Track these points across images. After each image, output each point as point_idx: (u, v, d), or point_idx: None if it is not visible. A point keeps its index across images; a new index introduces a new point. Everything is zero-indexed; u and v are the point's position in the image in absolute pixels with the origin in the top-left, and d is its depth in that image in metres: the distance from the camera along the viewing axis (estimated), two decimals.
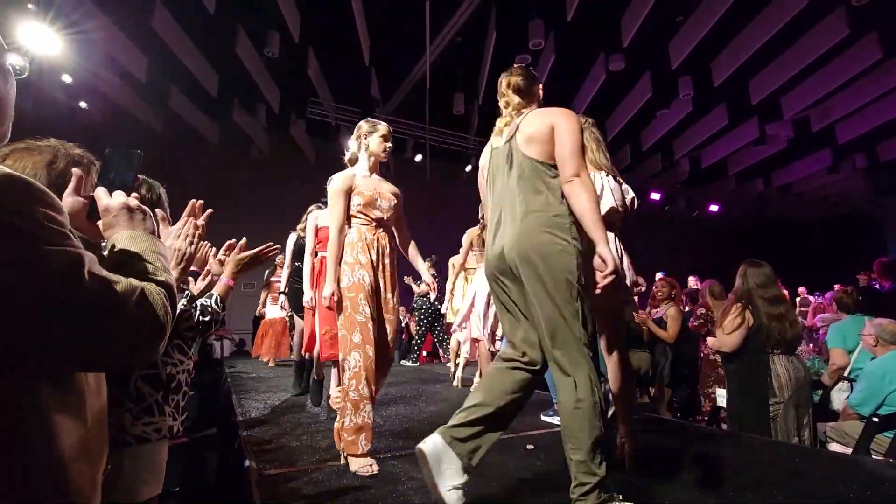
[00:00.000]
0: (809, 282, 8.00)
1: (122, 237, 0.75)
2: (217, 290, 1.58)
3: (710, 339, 3.10)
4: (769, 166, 11.38)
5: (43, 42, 5.71)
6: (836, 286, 4.60)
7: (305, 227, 3.48)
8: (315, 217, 3.35)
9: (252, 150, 9.83)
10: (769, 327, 2.65)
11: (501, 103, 1.73)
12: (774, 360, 2.66)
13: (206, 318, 1.51)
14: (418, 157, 10.21)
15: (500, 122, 1.73)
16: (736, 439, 2.48)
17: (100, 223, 0.80)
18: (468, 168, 10.67)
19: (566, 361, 1.39)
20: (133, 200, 0.80)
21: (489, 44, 7.00)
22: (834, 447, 2.72)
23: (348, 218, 2.19)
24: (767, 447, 2.27)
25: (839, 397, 3.21)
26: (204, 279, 1.75)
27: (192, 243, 1.13)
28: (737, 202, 14.07)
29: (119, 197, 0.79)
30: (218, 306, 1.54)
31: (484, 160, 1.78)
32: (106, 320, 0.57)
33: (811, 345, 4.73)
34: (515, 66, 1.80)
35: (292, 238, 3.96)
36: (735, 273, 2.94)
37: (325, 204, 2.74)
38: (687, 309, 4.95)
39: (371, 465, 1.87)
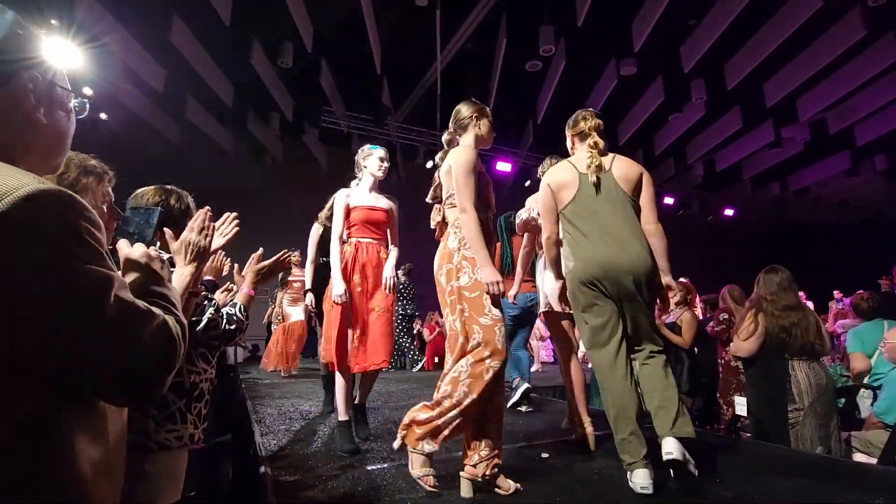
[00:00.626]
0: (830, 287, 7.83)
1: (137, 283, 0.78)
2: (240, 300, 1.60)
3: (731, 345, 3.06)
4: (785, 170, 11.19)
5: (65, 56, 5.89)
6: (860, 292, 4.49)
7: (332, 215, 2.70)
8: (346, 196, 2.66)
9: (266, 158, 9.98)
10: (779, 335, 2.62)
11: (590, 142, 2.06)
12: (794, 365, 2.61)
13: (232, 327, 1.53)
14: (429, 164, 10.26)
15: (587, 157, 2.04)
16: (751, 448, 2.43)
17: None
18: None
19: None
20: (153, 251, 0.83)
21: (499, 50, 7.03)
22: (858, 457, 2.65)
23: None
24: (784, 456, 2.22)
25: (864, 405, 3.14)
26: (223, 292, 1.78)
27: (206, 236, 1.14)
28: (753, 206, 13.85)
29: (139, 248, 0.82)
30: (242, 314, 1.56)
31: (563, 179, 2.06)
32: (124, 341, 0.58)
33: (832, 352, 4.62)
34: (591, 110, 2.17)
35: (317, 229, 3.60)
36: (753, 278, 2.92)
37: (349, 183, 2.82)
38: (704, 315, 4.88)
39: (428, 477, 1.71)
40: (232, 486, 3.15)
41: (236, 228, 1.44)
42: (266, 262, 1.63)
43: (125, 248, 0.82)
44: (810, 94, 7.94)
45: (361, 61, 7.31)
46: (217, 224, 1.44)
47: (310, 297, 3.45)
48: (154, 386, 0.63)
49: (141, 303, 0.62)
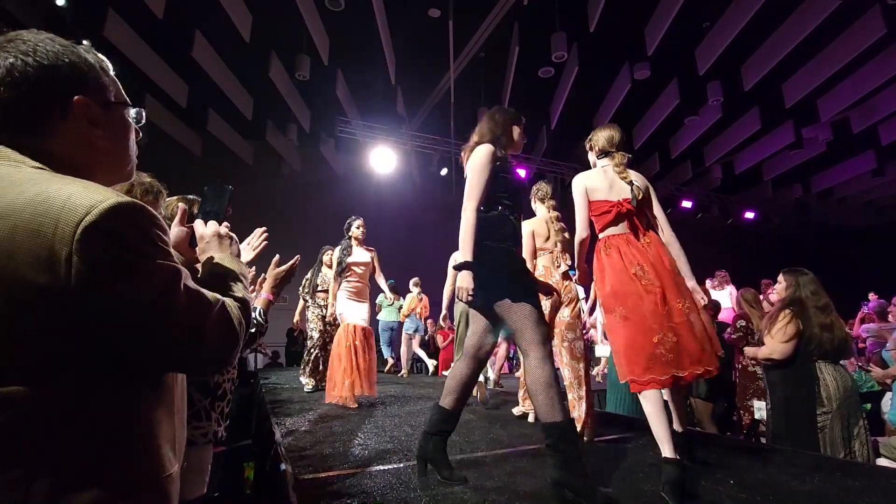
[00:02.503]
0: (856, 290, 7.62)
1: (212, 260, 0.89)
2: (259, 304, 1.68)
3: (748, 349, 3.01)
4: (807, 171, 10.96)
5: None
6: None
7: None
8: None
9: (284, 167, 10.22)
10: (819, 336, 2.57)
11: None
12: (822, 368, 2.57)
13: (252, 330, 1.60)
14: (444, 171, 10.35)
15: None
16: (774, 453, 2.40)
17: (197, 248, 0.95)
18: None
19: None
20: (223, 229, 0.95)
21: (512, 58, 7.10)
22: (882, 462, 2.59)
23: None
24: (804, 460, 2.19)
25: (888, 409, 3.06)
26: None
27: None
28: (774, 209, 13.56)
29: (211, 226, 0.94)
30: (262, 318, 1.64)
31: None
32: (196, 326, 0.67)
33: (855, 357, 4.51)
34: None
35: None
36: (776, 282, 2.87)
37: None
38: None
39: None
40: (254, 486, 3.23)
41: (265, 242, 1.54)
42: (283, 268, 1.70)
43: (199, 227, 0.94)
44: (831, 94, 7.79)
45: (376, 72, 7.46)
46: (249, 238, 1.59)
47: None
48: (221, 360, 0.72)
49: (205, 291, 0.70)
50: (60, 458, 0.58)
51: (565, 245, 2.98)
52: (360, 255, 3.95)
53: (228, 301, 0.74)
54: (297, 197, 10.30)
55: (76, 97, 0.71)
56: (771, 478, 1.88)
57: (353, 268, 3.91)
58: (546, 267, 2.97)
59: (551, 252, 3.00)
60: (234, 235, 0.95)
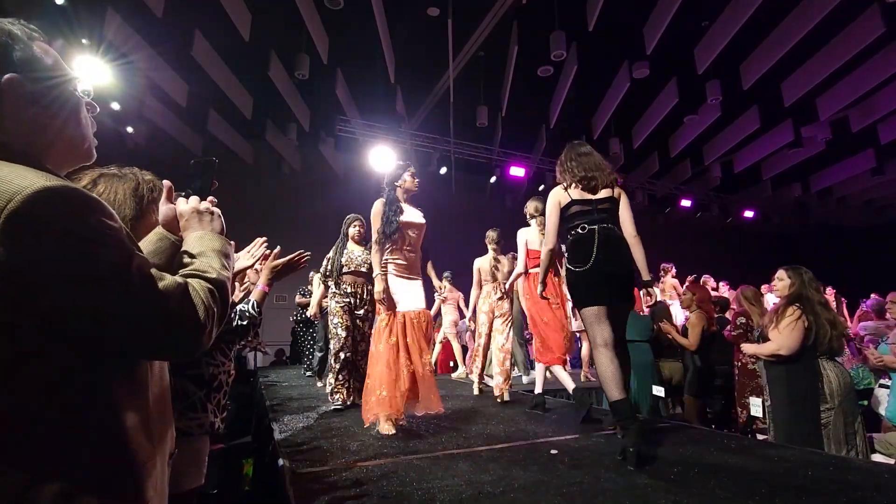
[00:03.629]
0: (857, 289, 7.62)
1: (192, 237, 0.85)
2: (254, 297, 1.70)
3: (747, 347, 3.00)
4: (807, 170, 10.96)
5: (94, 72, 6.20)
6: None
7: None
8: (524, 237, 3.61)
9: (284, 167, 10.24)
10: (827, 332, 2.57)
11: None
12: (825, 364, 2.57)
13: (244, 323, 1.62)
14: (443, 170, 10.37)
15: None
16: (767, 448, 2.41)
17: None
18: (493, 179, 10.75)
19: None
20: (203, 204, 0.91)
21: (511, 57, 7.11)
22: (877, 458, 2.61)
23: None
24: (800, 457, 2.20)
25: (884, 404, 3.07)
26: (241, 289, 1.88)
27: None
28: (774, 208, 13.57)
29: (192, 202, 0.90)
30: (255, 310, 1.66)
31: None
32: (148, 313, 0.64)
33: (851, 354, 4.51)
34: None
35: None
36: (770, 279, 2.87)
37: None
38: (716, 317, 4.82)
39: None
40: (253, 483, 3.25)
41: (264, 250, 1.56)
42: (281, 260, 1.71)
43: (180, 204, 0.90)
44: (830, 93, 7.80)
45: (375, 71, 7.47)
46: (249, 247, 1.64)
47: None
48: (188, 342, 0.69)
49: (162, 277, 0.68)
50: (25, 452, 0.57)
51: None
52: (413, 214, 2.94)
53: (195, 283, 0.71)
54: (297, 196, 10.32)
55: (5, 76, 0.66)
56: (765, 472, 1.89)
57: (406, 231, 2.84)
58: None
59: None
60: (215, 210, 0.92)
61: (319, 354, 5.13)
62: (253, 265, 1.55)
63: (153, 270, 0.67)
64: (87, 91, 0.80)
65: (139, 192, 1.11)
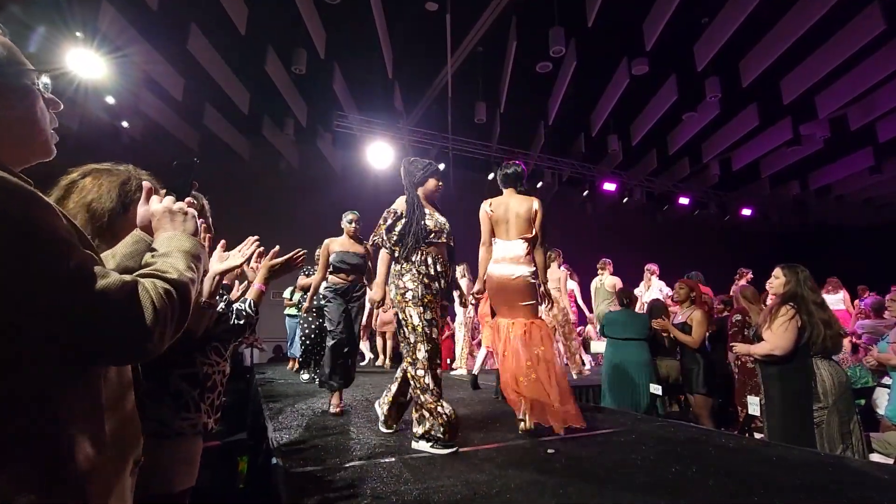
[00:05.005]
0: (854, 288, 7.63)
1: (161, 237, 0.82)
2: (250, 295, 1.67)
3: (739, 347, 2.98)
4: (805, 168, 10.95)
5: (89, 66, 6.13)
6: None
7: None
8: None
9: (281, 163, 10.17)
10: (822, 332, 2.55)
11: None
12: (818, 364, 2.56)
13: (242, 322, 1.59)
14: (441, 166, 10.32)
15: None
16: (766, 448, 2.40)
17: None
18: (491, 176, 10.71)
19: None
20: (178, 204, 0.88)
21: (510, 52, 7.06)
22: (875, 458, 2.60)
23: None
24: (798, 455, 2.19)
25: (882, 404, 3.07)
26: (240, 288, 1.85)
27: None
28: (772, 206, 13.58)
29: (165, 202, 0.87)
30: (252, 309, 1.63)
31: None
32: (79, 313, 0.60)
33: (849, 353, 4.52)
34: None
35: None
36: (768, 277, 2.84)
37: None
38: (724, 314, 4.82)
39: None
40: (247, 480, 3.23)
41: (255, 248, 1.53)
42: (279, 259, 1.69)
43: (153, 204, 0.87)
44: (830, 90, 7.77)
45: (373, 66, 7.41)
46: (241, 245, 1.59)
47: None
48: (129, 347, 0.65)
49: (108, 274, 0.64)
50: None
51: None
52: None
53: (148, 283, 0.68)
54: (294, 192, 10.25)
55: None
56: (763, 472, 1.88)
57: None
58: None
59: None
60: (189, 211, 0.89)
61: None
62: (242, 264, 1.52)
63: (97, 269, 0.64)
64: (46, 85, 0.76)
65: (127, 187, 1.07)
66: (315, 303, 4.16)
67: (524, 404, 2.52)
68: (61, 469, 0.63)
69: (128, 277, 0.67)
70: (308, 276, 6.05)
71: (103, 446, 0.68)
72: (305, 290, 5.89)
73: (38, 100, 0.74)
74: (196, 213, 0.91)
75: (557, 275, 5.47)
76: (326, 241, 3.71)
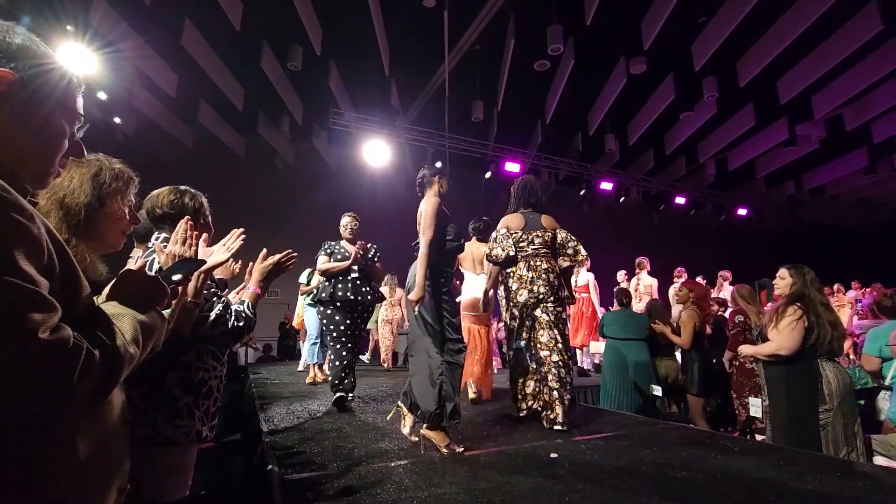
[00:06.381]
0: (851, 288, 7.66)
1: (126, 296, 0.75)
2: (246, 298, 1.60)
3: (745, 349, 2.95)
4: (801, 168, 11.01)
5: (80, 61, 6.01)
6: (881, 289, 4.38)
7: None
8: None
9: (277, 160, 10.07)
10: (827, 333, 2.52)
11: None
12: (824, 365, 2.53)
13: (241, 324, 1.52)
14: (438, 165, 10.28)
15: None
16: (773, 452, 2.37)
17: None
18: (488, 175, 10.67)
19: None
20: (148, 272, 0.82)
21: (507, 50, 7.02)
22: (879, 460, 2.58)
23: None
24: (799, 458, 2.16)
25: (884, 407, 3.05)
26: (238, 292, 1.79)
27: (190, 246, 1.16)
28: (768, 206, 13.64)
29: (153, 275, 0.82)
30: (250, 312, 1.56)
31: None
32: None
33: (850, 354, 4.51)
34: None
35: None
36: (770, 279, 2.82)
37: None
38: (720, 314, 4.81)
39: None
40: (241, 484, 3.17)
41: (240, 243, 1.46)
42: (270, 261, 1.63)
43: (132, 263, 0.83)
44: (826, 91, 7.79)
45: (370, 63, 7.35)
46: (225, 239, 1.49)
47: None
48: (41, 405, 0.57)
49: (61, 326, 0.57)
50: None
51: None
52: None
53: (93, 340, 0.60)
54: (290, 190, 10.16)
55: None
56: (772, 477, 1.85)
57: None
58: None
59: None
60: (161, 280, 0.84)
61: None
62: (228, 259, 1.45)
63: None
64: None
65: (100, 178, 1.01)
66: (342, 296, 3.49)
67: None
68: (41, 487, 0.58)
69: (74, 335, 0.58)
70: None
71: (86, 484, 0.65)
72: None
73: (54, 119, 0.71)
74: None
75: (648, 281, 6.34)
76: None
